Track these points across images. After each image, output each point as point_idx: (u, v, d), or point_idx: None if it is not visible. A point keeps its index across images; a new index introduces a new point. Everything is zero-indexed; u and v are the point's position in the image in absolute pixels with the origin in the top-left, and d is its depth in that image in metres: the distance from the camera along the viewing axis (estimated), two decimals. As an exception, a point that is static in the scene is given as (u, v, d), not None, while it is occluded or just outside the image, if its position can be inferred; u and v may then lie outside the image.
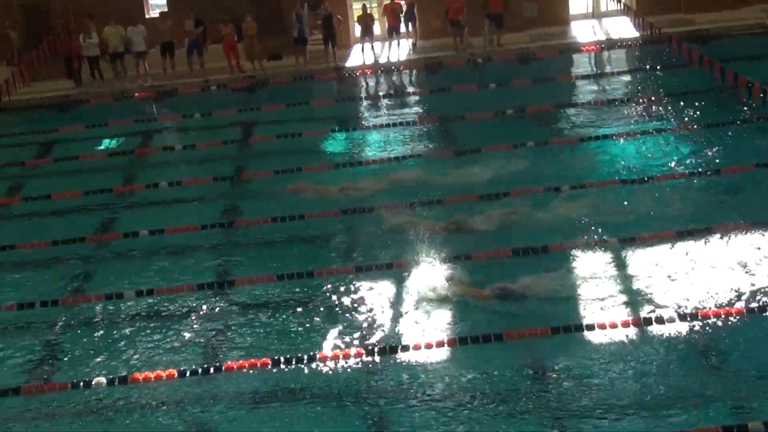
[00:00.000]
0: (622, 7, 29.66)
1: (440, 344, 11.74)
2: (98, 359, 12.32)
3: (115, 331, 13.03)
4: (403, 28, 28.10)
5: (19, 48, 27.76)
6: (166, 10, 30.34)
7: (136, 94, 26.28)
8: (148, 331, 12.94)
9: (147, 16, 30.32)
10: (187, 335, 12.72)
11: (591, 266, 13.58)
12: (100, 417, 11.08)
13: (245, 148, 21.54)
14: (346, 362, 11.60)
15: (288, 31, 27.55)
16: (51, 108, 25.93)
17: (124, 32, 26.74)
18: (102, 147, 22.57)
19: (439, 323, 12.39)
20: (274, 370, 11.55)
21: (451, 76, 25.31)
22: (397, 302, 13.06)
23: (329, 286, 13.67)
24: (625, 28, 28.52)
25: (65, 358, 12.59)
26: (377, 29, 28.94)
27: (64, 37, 26.84)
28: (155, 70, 27.36)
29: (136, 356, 12.32)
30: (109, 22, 26.71)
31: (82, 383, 11.60)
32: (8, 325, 13.59)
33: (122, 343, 12.69)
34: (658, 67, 24.03)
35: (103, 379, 11.64)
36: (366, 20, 27.72)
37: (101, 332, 13.07)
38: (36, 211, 18.07)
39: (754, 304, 11.99)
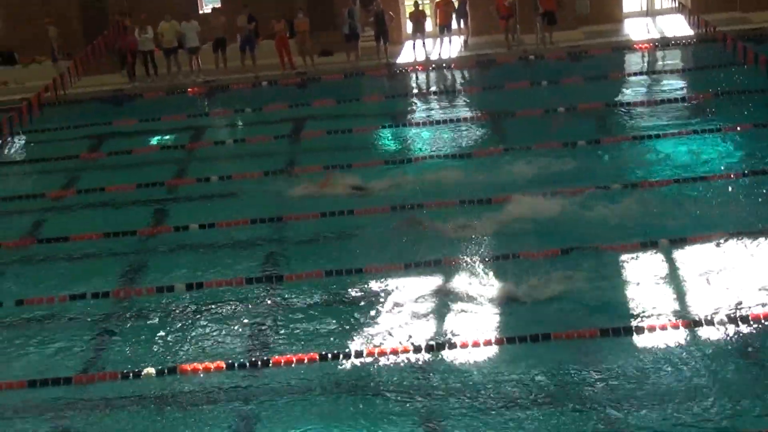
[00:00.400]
0: (677, 5, 29.33)
1: (488, 343, 11.71)
2: (148, 350, 12.46)
3: (165, 323, 13.17)
4: (454, 25, 28.04)
5: (60, 43, 28.10)
6: (219, 6, 30.51)
7: (188, 89, 26.51)
8: (198, 324, 13.05)
9: (200, 12, 30.52)
10: (235, 328, 12.81)
11: (641, 267, 13.48)
12: (150, 407, 11.19)
13: (295, 143, 21.63)
14: (396, 359, 11.60)
15: (340, 27, 27.60)
16: (105, 102, 26.24)
17: (179, 27, 26.96)
18: (154, 141, 22.82)
19: (488, 322, 12.34)
20: (322, 366, 11.59)
21: (502, 74, 25.22)
22: (445, 300, 13.03)
23: (378, 282, 13.68)
24: (679, 26, 28.19)
25: (115, 349, 12.73)
26: (429, 26, 28.90)
27: (119, 32, 27.11)
28: (208, 65, 27.55)
29: (185, 348, 12.43)
30: (164, 18, 26.94)
31: (131, 374, 11.75)
32: (60, 315, 13.78)
33: (172, 334, 12.82)
34: (713, 66, 23.74)
35: (152, 370, 11.78)
36: (417, 16, 27.66)
37: (151, 324, 13.22)
38: (89, 204, 18.29)
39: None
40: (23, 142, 23.19)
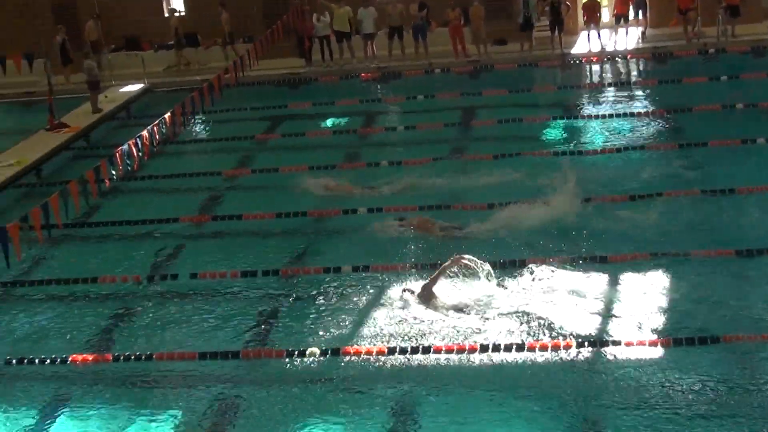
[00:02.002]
0: None
1: (653, 344, 11.49)
2: (313, 329, 12.74)
3: (330, 304, 13.42)
4: (632, 15, 27.45)
5: (230, 31, 28.88)
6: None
7: (362, 75, 26.91)
8: (362, 306, 13.23)
9: (378, -1, 30.88)
10: (398, 313, 12.92)
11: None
12: (311, 385, 11.48)
13: (465, 131, 21.67)
14: (553, 355, 11.52)
15: (515, 16, 27.45)
16: (281, 85, 26.99)
17: (352, 14, 27.36)
18: (327, 124, 23.27)
19: (654, 322, 12.08)
20: (481, 357, 11.60)
21: (680, 67, 24.60)
22: (611, 296, 12.86)
23: (541, 274, 13.58)
24: None
25: (282, 326, 13.08)
26: (606, 16, 28.41)
27: (298, 17, 27.72)
28: (382, 51, 27.86)
29: (348, 329, 12.64)
30: (340, 4, 27.38)
31: (296, 351, 12.08)
32: (231, 290, 14.27)
33: (337, 315, 13.04)
34: None
35: (316, 350, 12.07)
36: (592, 7, 27.22)
37: (318, 303, 13.49)
38: (263, 184, 18.81)
39: None
40: (203, 121, 24.08)
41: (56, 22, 29.75)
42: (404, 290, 13.29)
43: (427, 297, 12.99)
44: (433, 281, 13.09)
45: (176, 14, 30.57)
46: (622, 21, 26.97)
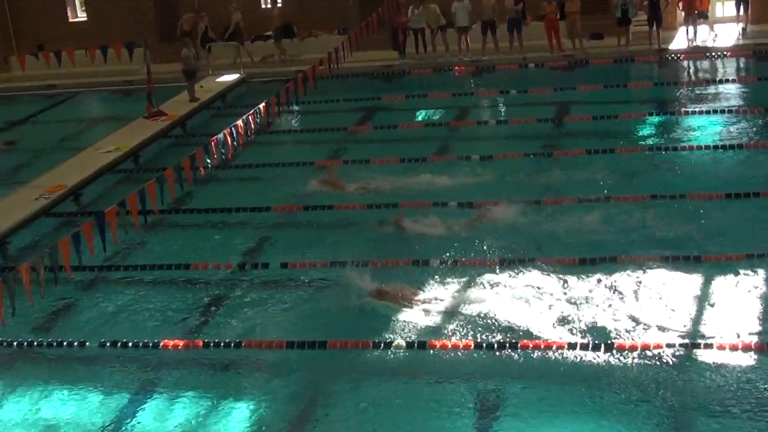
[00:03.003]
0: None
1: (747, 348, 11.23)
2: (400, 321, 12.76)
3: (419, 296, 13.40)
4: (733, 11, 26.84)
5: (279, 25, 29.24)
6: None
7: (456, 68, 26.85)
8: (448, 300, 13.22)
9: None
10: (485, 307, 12.88)
11: None
12: (396, 377, 11.54)
13: (559, 126, 21.48)
14: (643, 356, 11.37)
15: (612, 10, 27.08)
16: (375, 77, 27.09)
17: (438, 11, 27.30)
18: (419, 117, 23.29)
19: (749, 324, 11.83)
20: (569, 354, 11.52)
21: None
22: (704, 297, 12.63)
23: (632, 273, 13.40)
24: None
25: (369, 317, 13.09)
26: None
27: (393, 10, 27.77)
28: (475, 45, 27.74)
29: (434, 322, 12.65)
30: (426, 3, 27.38)
31: (383, 343, 12.14)
32: (320, 280, 14.38)
33: (423, 307, 13.03)
34: None
35: (402, 342, 12.11)
36: (692, 2, 26.65)
37: (410, 295, 13.38)
38: (354, 175, 18.89)
39: None
40: (297, 112, 24.31)
41: (157, 12, 30.37)
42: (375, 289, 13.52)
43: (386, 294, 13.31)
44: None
45: (278, 5, 30.98)
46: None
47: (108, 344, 12.92)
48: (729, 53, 25.92)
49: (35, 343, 13.23)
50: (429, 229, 15.77)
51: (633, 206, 15.75)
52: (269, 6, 31.16)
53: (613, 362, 11.30)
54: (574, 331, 12.02)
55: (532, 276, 13.63)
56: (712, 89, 23.24)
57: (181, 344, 12.73)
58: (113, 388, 11.96)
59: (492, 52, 27.38)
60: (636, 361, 11.27)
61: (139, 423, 11.19)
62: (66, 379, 12.34)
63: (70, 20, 33.01)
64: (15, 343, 13.21)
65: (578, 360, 11.41)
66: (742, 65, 25.47)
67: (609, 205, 15.87)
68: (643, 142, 19.65)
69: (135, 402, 11.63)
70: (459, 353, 11.81)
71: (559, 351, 11.56)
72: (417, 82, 26.33)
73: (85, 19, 32.90)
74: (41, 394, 12.01)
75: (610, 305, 12.60)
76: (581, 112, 22.00)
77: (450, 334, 12.25)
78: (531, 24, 27.65)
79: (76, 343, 13.05)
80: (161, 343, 12.75)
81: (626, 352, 11.41)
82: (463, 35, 27.66)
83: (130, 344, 12.83)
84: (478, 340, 11.97)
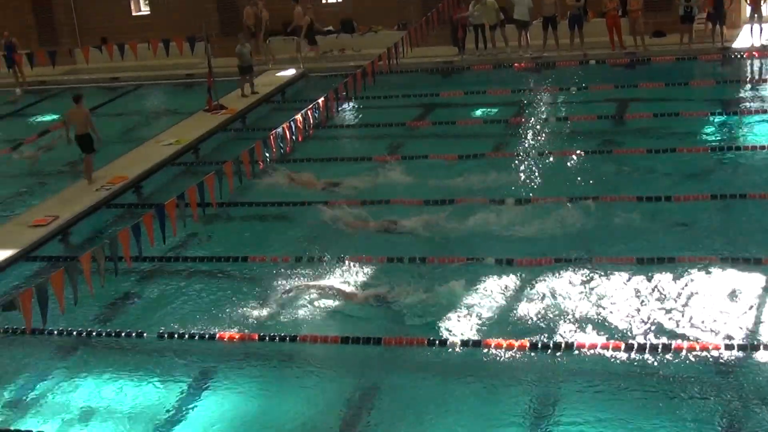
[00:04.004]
0: None
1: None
2: (454, 319, 12.75)
3: (474, 295, 13.39)
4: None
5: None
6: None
7: (515, 65, 26.71)
8: (505, 299, 13.21)
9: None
10: (541, 306, 12.84)
11: None
12: (449, 376, 11.55)
13: (619, 124, 21.27)
14: (702, 355, 11.26)
15: (675, 7, 26.73)
16: (434, 73, 27.06)
17: (497, 6, 27.15)
18: (478, 113, 23.21)
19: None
20: (625, 355, 11.45)
21: None
22: (762, 300, 12.45)
23: (691, 273, 13.27)
24: None
25: (421, 315, 13.07)
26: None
27: (454, 5, 27.67)
28: (536, 41, 27.56)
29: (490, 321, 12.64)
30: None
31: (437, 341, 12.15)
32: (376, 277, 14.40)
33: (478, 307, 13.02)
34: None
35: (456, 339, 12.11)
36: (759, -1, 26.21)
37: (463, 293, 13.42)
38: (412, 170, 18.88)
39: None
40: (356, 107, 24.37)
41: (218, 6, 30.64)
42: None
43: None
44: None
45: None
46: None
47: (166, 335, 13.08)
48: (795, 52, 25.49)
49: (95, 333, 13.43)
50: (484, 226, 15.73)
51: (693, 206, 15.60)
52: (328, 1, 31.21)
53: (669, 363, 11.20)
54: (632, 332, 11.93)
55: (587, 275, 13.57)
56: (776, 88, 22.90)
57: (237, 336, 12.84)
58: (170, 379, 12.12)
59: (552, 48, 27.19)
60: (693, 362, 11.16)
61: (194, 413, 11.33)
62: (125, 368, 12.52)
63: (134, 14, 33.41)
64: (75, 332, 13.42)
65: (633, 361, 11.33)
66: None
67: (668, 204, 15.70)
68: (705, 142, 19.38)
69: (191, 393, 11.77)
70: (513, 353, 11.76)
71: (615, 351, 11.48)
72: (476, 78, 26.23)
73: (148, 12, 33.28)
74: (100, 383, 12.21)
75: (666, 306, 12.49)
76: (642, 110, 21.75)
77: (505, 333, 12.20)
78: (592, 20, 27.40)
79: (134, 334, 13.24)
80: (217, 335, 12.88)
81: (683, 352, 11.31)
82: (524, 31, 27.50)
83: (186, 336, 12.98)
84: (533, 340, 11.91)
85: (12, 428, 11.27)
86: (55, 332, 13.35)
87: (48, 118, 26.76)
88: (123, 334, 13.28)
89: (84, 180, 19.31)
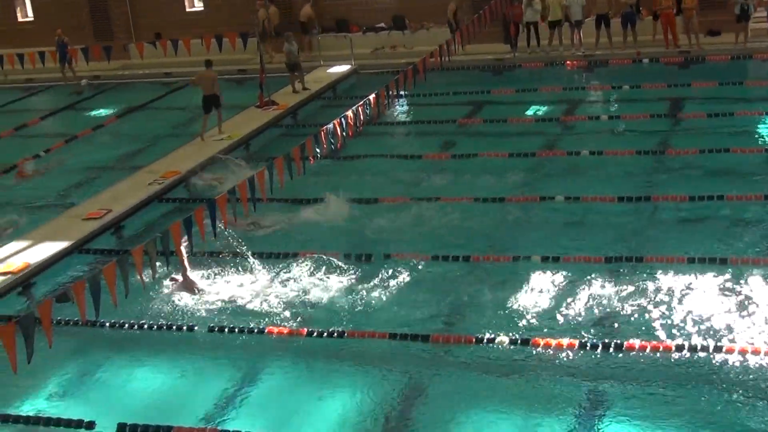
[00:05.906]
0: None
1: None
2: (503, 319, 12.73)
3: (521, 293, 13.37)
4: None
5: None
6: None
7: (568, 62, 26.55)
8: (553, 298, 13.15)
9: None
10: (591, 306, 12.77)
11: None
12: (498, 373, 11.54)
13: (673, 123, 21.06)
14: (751, 359, 11.13)
15: (730, 6, 26.38)
16: (485, 70, 26.97)
17: (564, 1, 26.97)
18: (530, 111, 23.10)
19: None
20: (674, 356, 11.36)
21: None
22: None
23: (743, 274, 13.11)
24: None
25: (471, 312, 13.14)
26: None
27: (507, 3, 27.56)
28: (589, 39, 27.35)
29: (538, 320, 12.60)
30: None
31: (485, 339, 12.13)
32: (427, 274, 14.41)
33: (527, 305, 12.99)
34: None
35: (505, 339, 12.08)
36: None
37: (510, 292, 13.43)
38: (462, 168, 18.86)
39: None
40: (407, 104, 24.37)
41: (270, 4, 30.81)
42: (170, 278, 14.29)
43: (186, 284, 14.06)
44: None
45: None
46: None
47: (216, 329, 13.20)
48: None
49: (146, 326, 13.57)
50: (531, 224, 15.67)
51: (747, 206, 15.43)
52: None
53: (720, 364, 11.10)
54: (682, 333, 11.84)
55: (638, 275, 13.46)
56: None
57: (285, 331, 12.91)
58: (221, 373, 12.22)
59: (605, 46, 26.97)
60: (744, 364, 11.04)
61: (242, 406, 11.42)
62: (174, 362, 12.69)
63: (187, 9, 33.70)
64: (126, 325, 13.57)
65: (685, 361, 11.25)
66: None
67: (721, 203, 15.55)
68: (760, 142, 19.12)
69: (241, 386, 11.86)
70: (561, 352, 11.71)
71: (666, 352, 11.39)
72: (528, 76, 26.12)
73: (202, 8, 33.55)
74: (151, 375, 12.36)
75: (718, 307, 12.36)
76: (696, 109, 21.50)
77: (553, 332, 12.18)
78: (646, 19, 27.14)
79: (185, 327, 13.37)
80: (266, 330, 12.97)
81: (735, 354, 11.19)
82: (577, 29, 27.30)
83: (236, 330, 13.08)
84: (582, 339, 11.85)
85: (63, 417, 11.44)
86: (108, 324, 13.50)
87: (103, 112, 27.08)
88: (174, 328, 13.42)
89: (138, 174, 19.53)
